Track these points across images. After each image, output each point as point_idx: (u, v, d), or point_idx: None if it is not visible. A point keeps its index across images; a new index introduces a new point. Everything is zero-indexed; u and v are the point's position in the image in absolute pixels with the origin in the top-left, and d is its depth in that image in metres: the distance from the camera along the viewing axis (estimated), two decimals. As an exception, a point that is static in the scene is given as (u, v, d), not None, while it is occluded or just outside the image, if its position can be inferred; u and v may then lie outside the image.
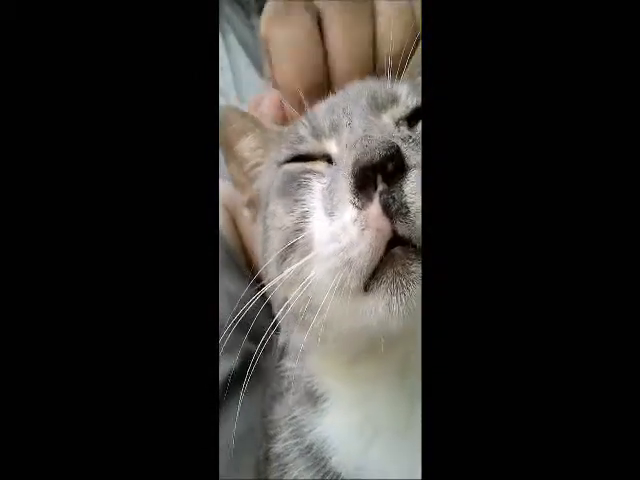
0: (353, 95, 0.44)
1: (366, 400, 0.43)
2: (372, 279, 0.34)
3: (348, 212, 0.34)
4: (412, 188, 0.33)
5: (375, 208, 0.33)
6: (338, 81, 0.48)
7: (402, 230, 0.33)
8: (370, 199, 0.33)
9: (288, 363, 0.49)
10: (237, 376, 0.49)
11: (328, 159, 0.42)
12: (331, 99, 0.46)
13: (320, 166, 0.42)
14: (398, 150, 0.33)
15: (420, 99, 0.43)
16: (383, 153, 0.32)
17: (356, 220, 0.33)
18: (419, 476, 0.28)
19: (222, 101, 0.79)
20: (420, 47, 0.45)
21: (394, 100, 0.43)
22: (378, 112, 0.42)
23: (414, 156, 0.35)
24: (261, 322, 0.42)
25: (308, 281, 0.36)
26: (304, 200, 0.39)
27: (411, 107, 0.42)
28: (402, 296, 0.34)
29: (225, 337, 0.40)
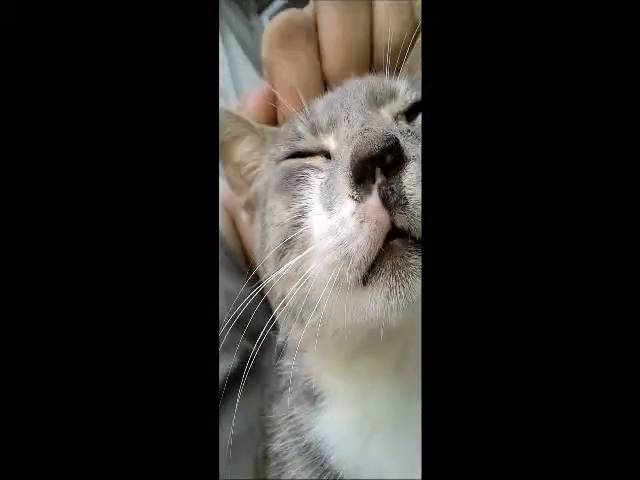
0: (351, 91, 0.44)
1: (365, 396, 0.43)
2: (371, 272, 0.34)
3: (347, 205, 0.34)
4: (411, 180, 0.33)
5: (374, 200, 0.33)
6: (334, 73, 0.48)
7: (401, 222, 0.33)
8: (369, 192, 0.33)
9: (286, 362, 0.48)
10: (235, 375, 0.49)
11: (326, 154, 0.42)
12: (329, 95, 0.46)
13: (318, 161, 0.42)
14: (397, 142, 0.33)
15: (419, 94, 0.43)
16: (382, 145, 0.32)
17: (354, 213, 0.33)
18: (419, 472, 0.28)
19: (222, 102, 0.79)
20: (419, 40, 0.45)
21: (392, 95, 0.43)
22: (376, 107, 0.42)
23: (413, 148, 0.35)
24: (259, 320, 0.41)
25: (306, 276, 0.36)
26: (302, 195, 0.39)
27: (410, 102, 0.42)
28: (401, 288, 0.33)
29: (223, 334, 0.40)
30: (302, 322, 0.39)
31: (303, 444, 0.44)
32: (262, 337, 0.39)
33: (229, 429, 0.44)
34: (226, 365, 0.52)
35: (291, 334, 0.43)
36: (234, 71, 0.80)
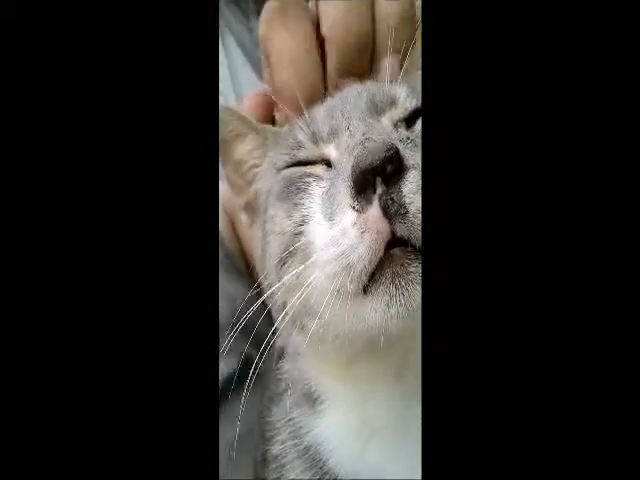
0: (351, 98, 0.44)
1: (364, 401, 0.43)
2: (371, 280, 0.34)
3: (348, 216, 0.34)
4: (411, 189, 0.33)
5: (375, 210, 0.33)
6: (335, 57, 0.48)
7: (401, 231, 0.33)
8: (370, 202, 0.33)
9: (286, 365, 0.49)
10: (236, 380, 0.49)
11: (327, 163, 0.42)
12: (329, 102, 0.46)
13: (319, 170, 0.42)
14: (397, 151, 0.33)
15: (419, 100, 0.43)
16: (382, 155, 0.33)
17: (355, 223, 0.34)
18: (419, 476, 0.28)
19: (221, 102, 0.79)
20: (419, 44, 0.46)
21: (393, 102, 0.43)
22: (377, 115, 0.42)
23: (413, 157, 0.35)
24: (260, 326, 0.42)
25: (308, 286, 0.36)
26: (303, 204, 0.39)
27: (410, 109, 0.43)
28: (401, 296, 0.34)
29: (225, 340, 0.40)
30: (303, 329, 0.39)
31: (302, 447, 0.44)
32: (266, 345, 0.39)
33: (228, 434, 0.44)
34: (225, 367, 0.52)
35: (291, 339, 0.44)
36: (233, 73, 0.80)
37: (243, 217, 0.56)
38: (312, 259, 0.36)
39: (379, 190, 0.33)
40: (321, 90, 0.49)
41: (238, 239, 0.69)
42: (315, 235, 0.37)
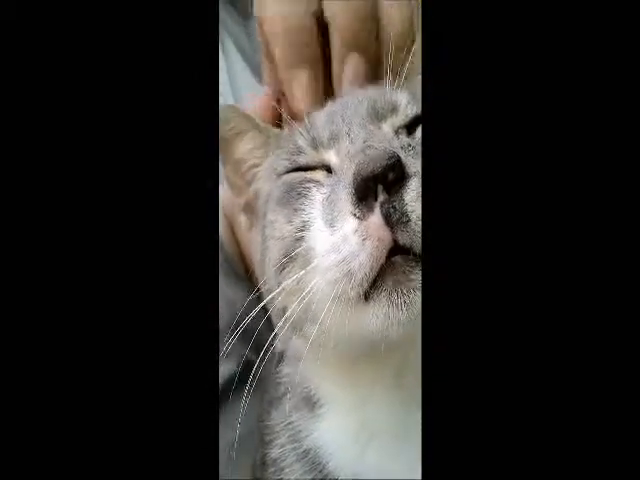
0: (352, 104, 0.44)
1: (363, 404, 0.43)
2: (372, 288, 0.34)
3: (349, 223, 0.34)
4: (412, 197, 0.33)
5: (376, 218, 0.33)
6: (338, 55, 0.48)
7: (403, 239, 0.33)
8: (371, 209, 0.33)
9: (285, 369, 0.48)
10: (233, 379, 0.49)
11: (327, 168, 0.42)
12: (330, 108, 0.46)
13: (319, 175, 0.42)
14: (399, 160, 0.33)
15: (420, 107, 0.43)
16: (384, 163, 0.33)
17: (357, 230, 0.34)
18: (418, 477, 0.28)
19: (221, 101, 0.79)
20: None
21: (394, 109, 0.43)
22: (378, 122, 0.42)
23: (414, 164, 0.35)
24: (260, 331, 0.42)
25: (308, 291, 0.36)
26: (304, 210, 0.39)
27: (411, 116, 0.42)
28: (403, 304, 0.34)
29: (224, 344, 0.40)
30: (303, 334, 0.39)
31: (302, 450, 0.44)
32: (266, 349, 0.39)
33: (228, 437, 0.44)
34: (225, 370, 0.52)
35: (291, 343, 0.44)
36: (233, 78, 0.80)
37: (242, 219, 0.56)
38: (313, 265, 0.36)
39: (381, 198, 0.33)
40: (320, 64, 0.49)
41: (237, 243, 0.69)
42: (316, 241, 0.37)
